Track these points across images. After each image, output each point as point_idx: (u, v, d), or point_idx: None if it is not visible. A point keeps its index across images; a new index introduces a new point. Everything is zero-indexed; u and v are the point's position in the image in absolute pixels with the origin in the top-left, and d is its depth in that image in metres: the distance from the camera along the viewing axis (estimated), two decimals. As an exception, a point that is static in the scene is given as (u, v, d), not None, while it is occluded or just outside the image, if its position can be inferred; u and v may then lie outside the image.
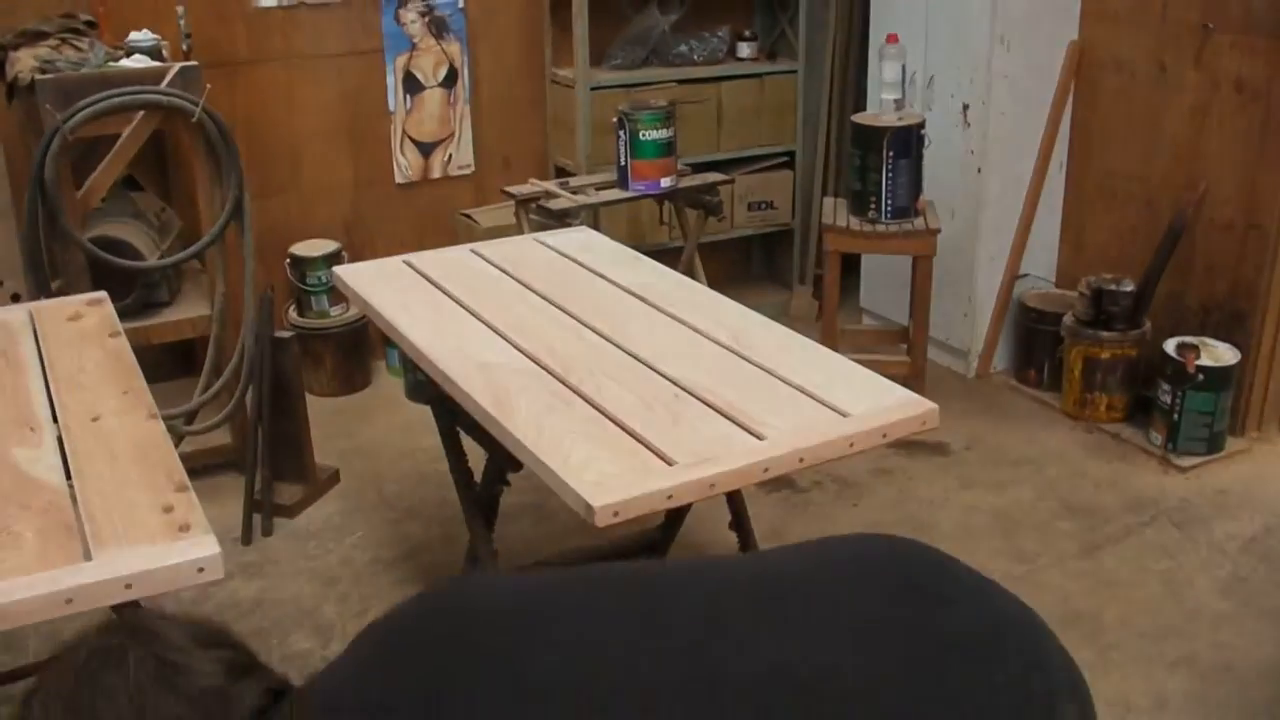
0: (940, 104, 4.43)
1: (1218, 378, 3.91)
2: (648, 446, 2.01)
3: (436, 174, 4.79)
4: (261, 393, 3.63)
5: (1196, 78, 4.07)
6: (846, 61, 5.11)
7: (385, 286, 2.84)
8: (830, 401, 2.18)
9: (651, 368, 2.33)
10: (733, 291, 5.31)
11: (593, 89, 4.60)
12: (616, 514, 1.85)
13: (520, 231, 4.04)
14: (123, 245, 3.69)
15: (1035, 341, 4.49)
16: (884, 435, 2.14)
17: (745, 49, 5.02)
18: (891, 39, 4.25)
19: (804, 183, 5.18)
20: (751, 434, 2.06)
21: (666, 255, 4.82)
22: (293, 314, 4.50)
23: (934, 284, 4.14)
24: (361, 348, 4.59)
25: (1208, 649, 3.06)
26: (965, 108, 4.35)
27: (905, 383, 3.94)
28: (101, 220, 3.74)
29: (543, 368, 2.33)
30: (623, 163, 4.10)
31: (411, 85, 4.65)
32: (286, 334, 3.71)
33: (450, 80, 4.71)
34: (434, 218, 4.79)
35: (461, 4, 4.65)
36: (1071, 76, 4.43)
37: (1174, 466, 3.95)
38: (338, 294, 4.45)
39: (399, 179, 4.74)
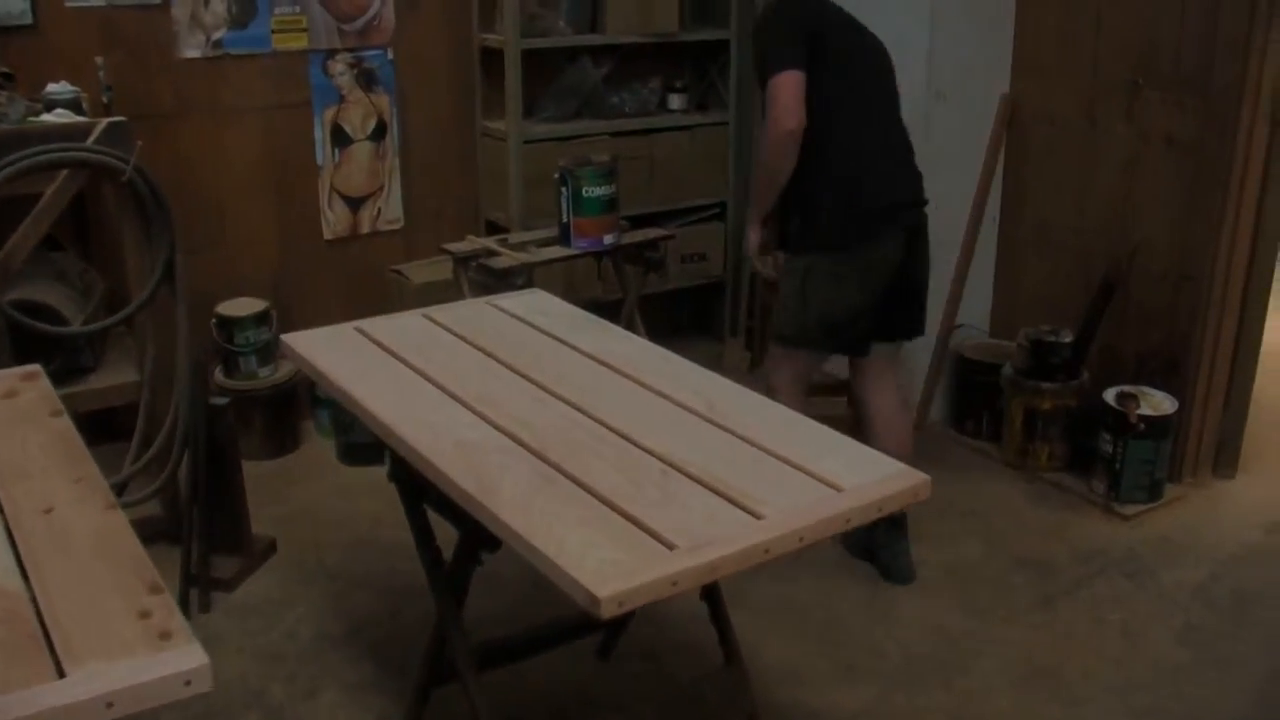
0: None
1: (1158, 427, 3.96)
2: (644, 529, 1.94)
3: (365, 229, 4.68)
4: (197, 462, 3.48)
5: (1127, 131, 4.13)
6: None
7: (339, 356, 2.73)
8: (822, 475, 2.13)
9: (632, 441, 2.26)
10: (665, 344, 5.31)
11: (525, 142, 4.54)
12: (622, 604, 1.77)
13: (459, 290, 3.95)
14: (46, 309, 3.52)
15: (973, 392, 4.51)
16: (879, 509, 2.10)
17: (676, 100, 5.01)
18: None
19: (735, 234, 5.16)
20: (748, 512, 1.99)
21: (603, 309, 4.78)
22: (220, 376, 4.34)
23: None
24: (291, 409, 4.46)
25: (1172, 700, 3.07)
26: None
27: (848, 434, 4.00)
28: (22, 282, 3.56)
29: (520, 444, 2.25)
30: (565, 219, 4.03)
31: (340, 138, 4.55)
32: (222, 400, 3.57)
33: (379, 133, 4.62)
34: (364, 273, 4.68)
35: (391, 56, 4.57)
36: (1003, 128, 4.48)
37: (1118, 515, 3.98)
38: (266, 354, 4.33)
39: (327, 234, 4.62)
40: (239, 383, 4.32)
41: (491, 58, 4.63)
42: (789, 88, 3.21)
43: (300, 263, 4.60)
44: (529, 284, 3.83)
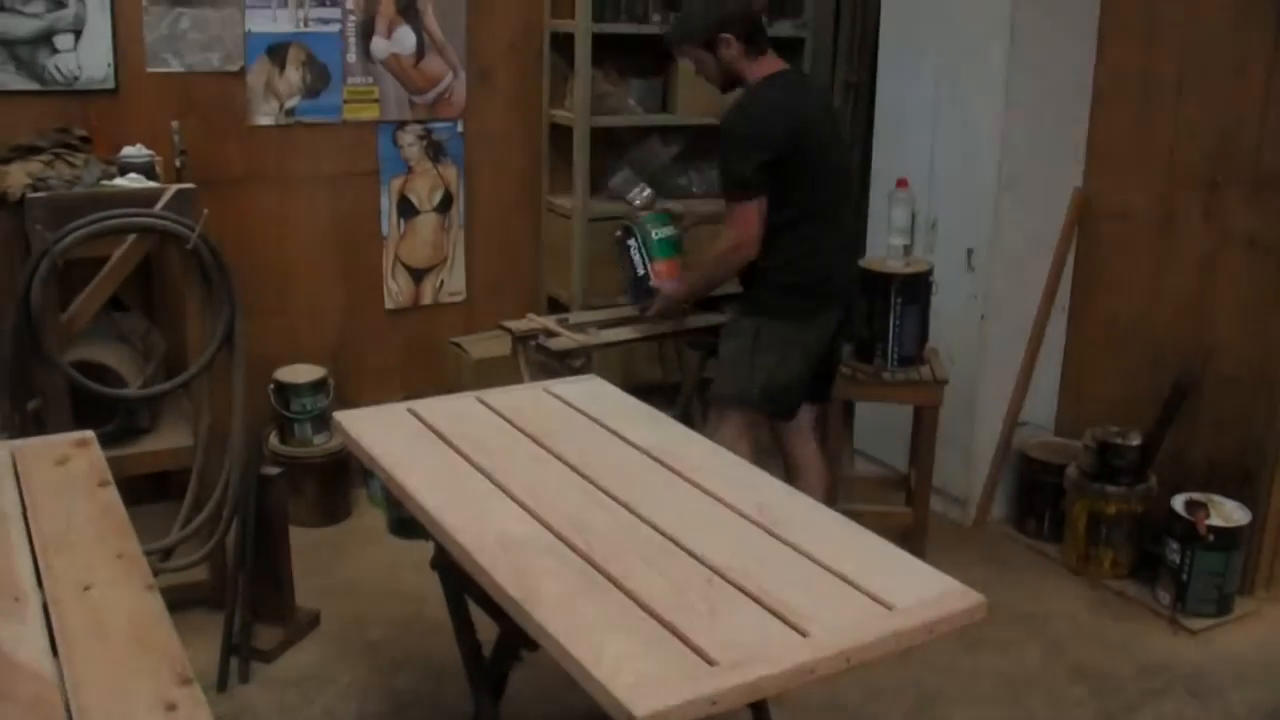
0: (943, 248, 4.38)
1: (1228, 537, 3.82)
2: (685, 642, 1.88)
3: (427, 300, 4.69)
4: (246, 531, 3.46)
5: (1205, 229, 4.04)
6: (846, 198, 5.07)
7: (389, 437, 2.71)
8: (872, 591, 2.06)
9: (681, 545, 2.20)
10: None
11: (591, 219, 4.53)
12: (658, 722, 1.71)
13: (516, 368, 3.93)
14: (106, 371, 3.54)
15: (1036, 491, 4.40)
16: (931, 631, 2.02)
17: (744, 181, 4.97)
18: (901, 184, 4.21)
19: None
20: (794, 628, 1.93)
21: (661, 393, 4.74)
22: (274, 441, 4.34)
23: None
24: (344, 477, 4.44)
25: (1236, 835, 2.93)
26: (969, 252, 4.30)
27: (907, 534, 3.92)
28: (84, 342, 3.59)
29: (566, 543, 2.20)
30: (641, 272, 3.99)
31: (406, 209, 4.57)
32: (274, 470, 3.55)
33: (445, 205, 4.63)
34: (423, 344, 4.68)
35: (460, 129, 4.59)
36: (1075, 222, 4.40)
37: (1184, 628, 3.84)
38: (322, 422, 4.32)
39: (389, 304, 4.63)
40: (293, 449, 4.32)
41: (561, 134, 4.64)
42: (750, 219, 3.40)
43: (361, 331, 4.60)
44: (587, 366, 3.81)
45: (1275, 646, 3.77)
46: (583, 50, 4.39)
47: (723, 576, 2.09)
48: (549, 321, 3.99)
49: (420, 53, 4.46)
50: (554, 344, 3.77)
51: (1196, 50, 4.00)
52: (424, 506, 2.35)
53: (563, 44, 4.56)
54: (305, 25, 4.27)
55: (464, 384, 4.35)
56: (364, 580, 4.01)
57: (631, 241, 3.99)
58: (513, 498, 2.39)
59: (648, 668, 1.80)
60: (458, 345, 4.53)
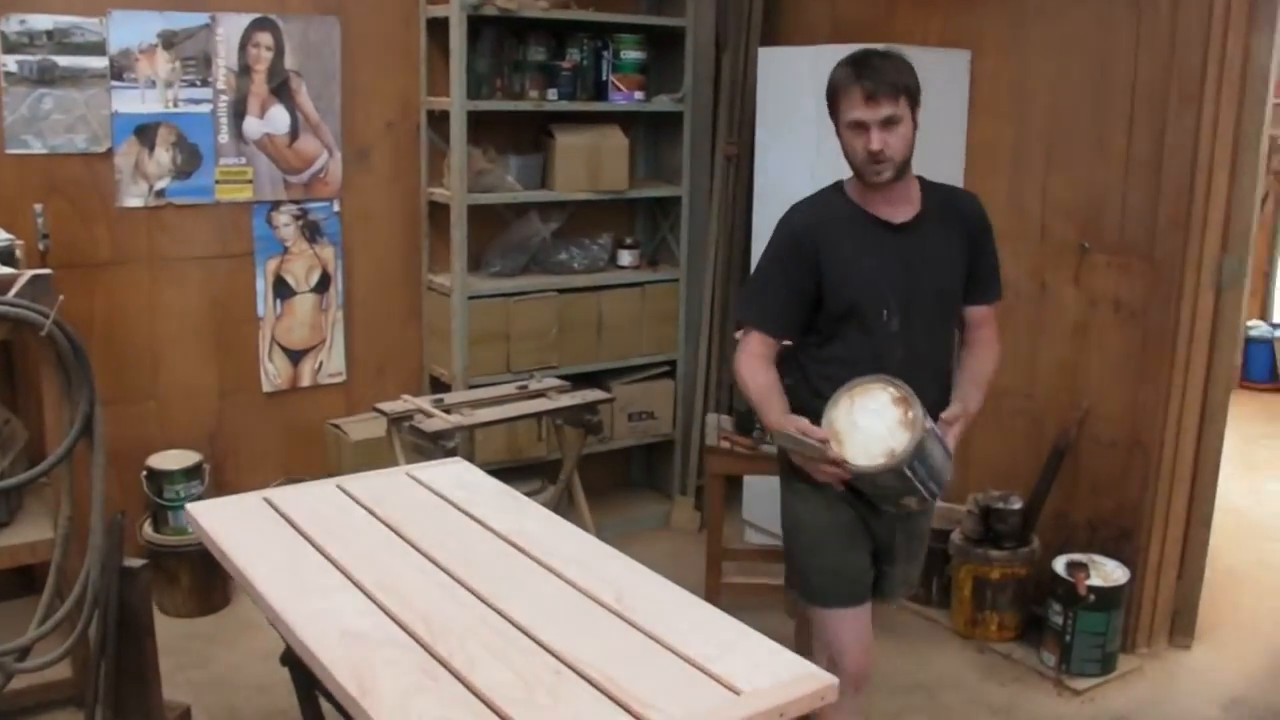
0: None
1: (1109, 597, 3.85)
2: (529, 740, 1.82)
3: (306, 382, 4.60)
4: (107, 626, 3.33)
5: (1076, 295, 4.10)
6: (729, 270, 5.09)
7: (242, 529, 2.63)
8: (722, 676, 2.01)
9: (530, 636, 2.14)
10: (614, 501, 5.24)
11: (470, 297, 4.49)
12: (488, 830, 1.65)
13: (391, 449, 3.86)
14: (-41, 464, 3.42)
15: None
16: (781, 715, 1.98)
17: (626, 257, 4.98)
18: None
19: (685, 392, 5.10)
20: (638, 719, 1.88)
21: (545, 469, 4.69)
22: (148, 530, 4.22)
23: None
24: (221, 566, 4.29)
25: None
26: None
27: (793, 608, 3.88)
28: (-63, 435, 3.47)
29: (411, 635, 2.13)
30: (604, 77, 4.72)
31: (282, 290, 4.49)
32: (137, 563, 3.42)
33: (323, 285, 4.57)
34: (303, 427, 4.59)
35: (336, 208, 4.54)
36: (952, 290, 4.44)
37: (1069, 689, 3.85)
38: (197, 509, 4.20)
39: (267, 387, 4.53)
40: (167, 537, 4.19)
41: (439, 212, 4.61)
42: (748, 353, 2.82)
43: (238, 415, 4.50)
44: (460, 448, 3.75)
45: (1156, 703, 3.79)
46: (458, 128, 4.37)
47: (571, 668, 2.03)
48: (423, 402, 3.93)
49: (294, 133, 4.42)
50: (427, 425, 3.71)
51: (1061, 125, 4.09)
52: (268, 601, 2.28)
53: (439, 122, 4.54)
54: (175, 105, 4.20)
55: (344, 467, 4.27)
56: (239, 672, 3.89)
57: (605, 54, 4.73)
58: (362, 590, 2.32)
59: (482, 768, 1.74)
60: (337, 427, 4.44)
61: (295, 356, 4.56)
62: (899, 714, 3.71)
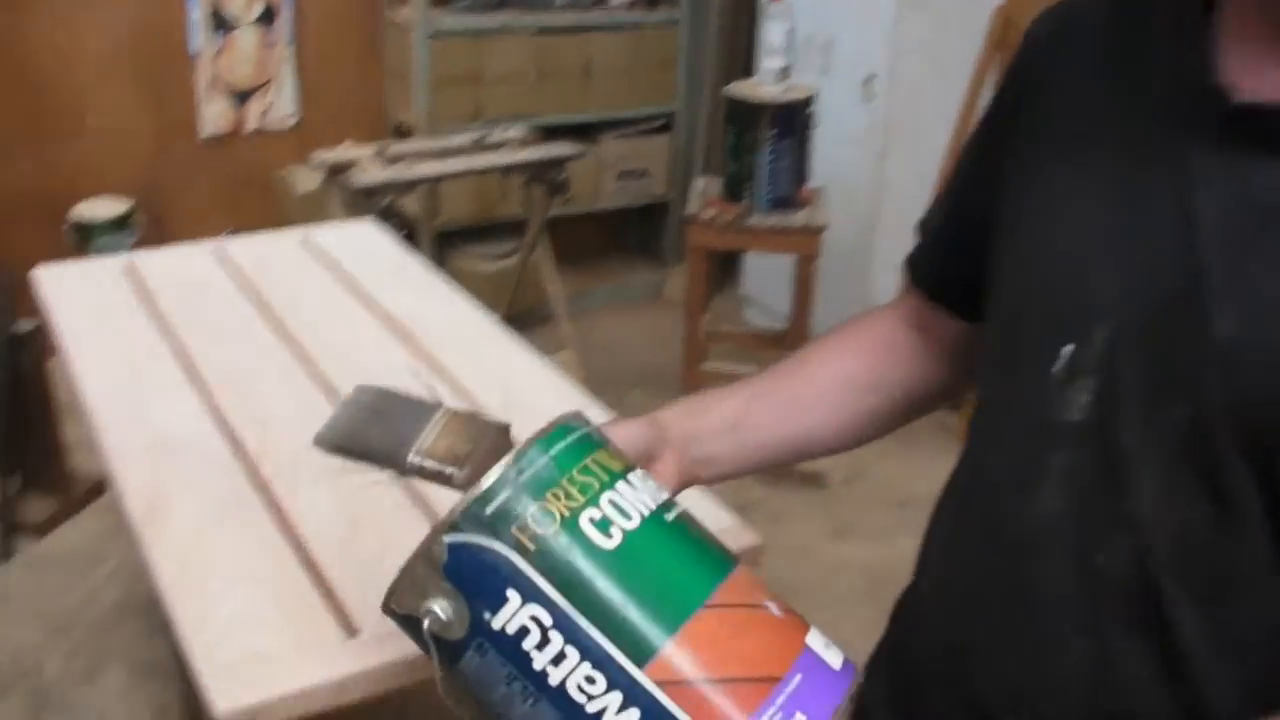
0: (839, 74, 3.83)
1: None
2: (330, 597, 1.42)
3: (252, 126, 4.11)
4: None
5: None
6: (738, 11, 4.48)
7: (89, 302, 2.20)
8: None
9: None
10: (602, 268, 4.79)
11: (432, 36, 3.94)
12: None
13: (329, 205, 3.41)
14: None
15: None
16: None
17: (619, -8, 4.37)
18: (778, -5, 3.63)
19: (684, 150, 4.57)
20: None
21: (520, 228, 4.24)
22: (73, 288, 3.83)
23: (826, 280, 3.56)
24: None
25: None
26: (867, 79, 3.76)
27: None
28: None
29: (237, 445, 1.72)
30: None
31: (220, 22, 3.95)
32: (29, 325, 3.08)
33: (268, 18, 4.02)
34: (249, 177, 4.13)
35: (282, -75, 3.97)
36: (997, 46, 3.84)
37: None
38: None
39: (207, 130, 4.05)
40: (94, 297, 3.81)
41: (403, -66, 4.02)
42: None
43: (174, 162, 4.05)
44: (419, 204, 3.30)
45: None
46: None
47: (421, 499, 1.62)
48: (366, 151, 3.45)
49: None
50: (355, 179, 3.24)
51: None
52: (83, 396, 1.87)
53: None
54: None
55: (292, 221, 3.84)
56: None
57: None
58: (201, 385, 1.90)
59: (264, 639, 1.35)
60: (284, 177, 3.99)
61: (241, 98, 4.06)
62: (885, 532, 3.32)
